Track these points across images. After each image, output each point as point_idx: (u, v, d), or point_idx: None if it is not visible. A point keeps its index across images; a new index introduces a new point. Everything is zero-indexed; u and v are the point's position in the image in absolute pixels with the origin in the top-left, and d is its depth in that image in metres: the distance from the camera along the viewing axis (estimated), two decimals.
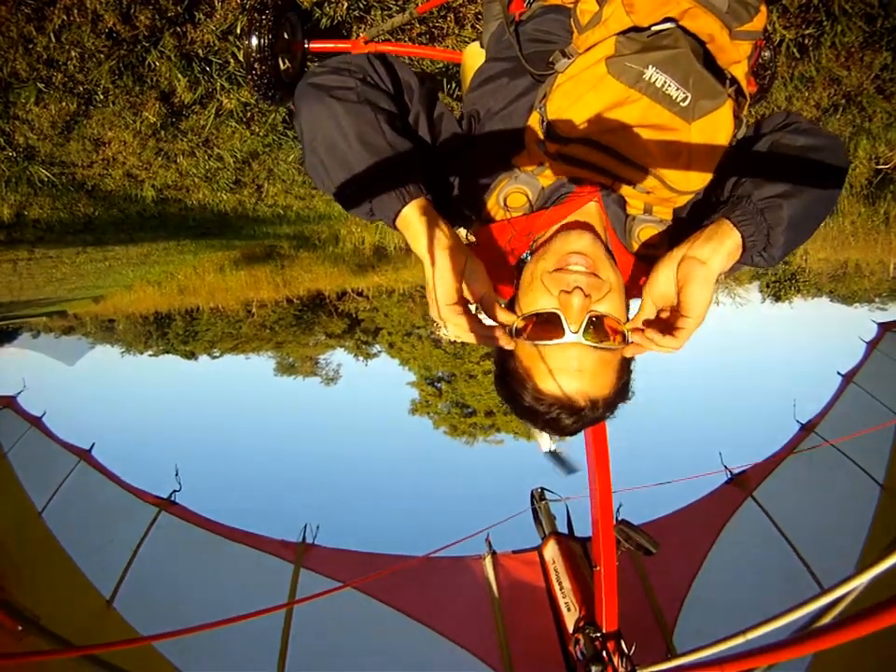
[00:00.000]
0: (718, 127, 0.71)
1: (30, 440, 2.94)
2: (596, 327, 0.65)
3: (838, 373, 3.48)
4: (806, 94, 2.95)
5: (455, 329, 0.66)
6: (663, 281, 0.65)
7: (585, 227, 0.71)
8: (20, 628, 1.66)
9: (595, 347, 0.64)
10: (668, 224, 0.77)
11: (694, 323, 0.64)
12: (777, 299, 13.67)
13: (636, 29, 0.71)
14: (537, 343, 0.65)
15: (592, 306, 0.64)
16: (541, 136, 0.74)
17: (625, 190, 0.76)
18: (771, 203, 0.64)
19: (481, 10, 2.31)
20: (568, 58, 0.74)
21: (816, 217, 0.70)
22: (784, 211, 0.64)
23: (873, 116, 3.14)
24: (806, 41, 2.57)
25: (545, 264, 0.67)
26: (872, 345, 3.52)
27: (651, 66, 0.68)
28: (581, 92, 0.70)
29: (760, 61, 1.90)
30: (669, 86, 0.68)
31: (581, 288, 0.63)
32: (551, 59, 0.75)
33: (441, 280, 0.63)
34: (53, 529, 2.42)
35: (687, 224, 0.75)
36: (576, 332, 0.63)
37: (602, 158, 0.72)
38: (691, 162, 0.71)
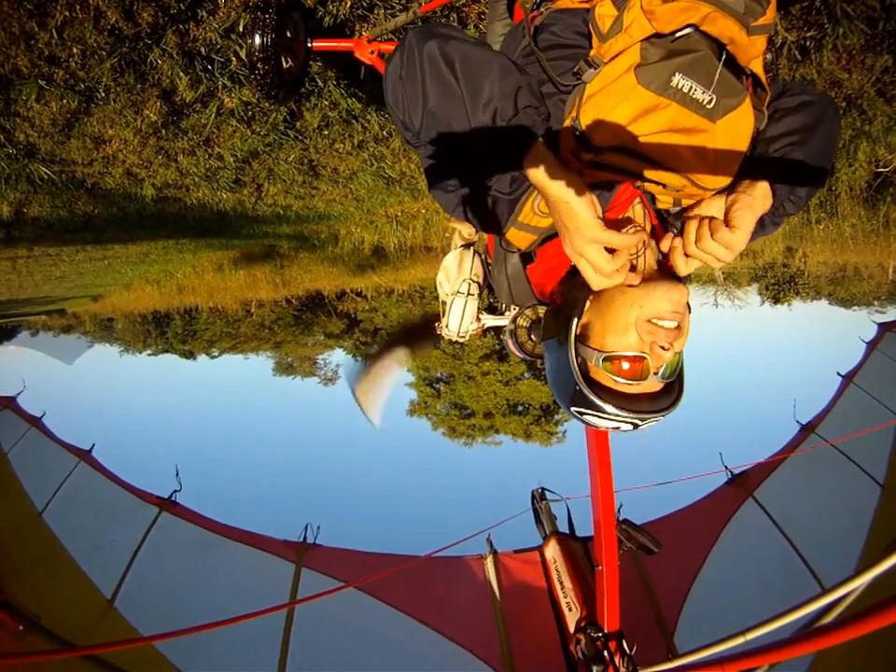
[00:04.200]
0: (741, 123, 0.74)
1: (30, 440, 2.94)
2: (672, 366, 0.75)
3: (838, 374, 3.49)
4: None
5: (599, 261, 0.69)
6: (711, 207, 0.74)
7: (670, 277, 0.77)
8: (21, 628, 1.66)
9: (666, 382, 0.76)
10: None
11: (744, 236, 0.72)
12: (777, 301, 13.70)
13: (657, 35, 0.72)
14: (623, 381, 0.73)
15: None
16: (576, 146, 0.76)
17: (656, 189, 0.78)
18: (786, 150, 0.75)
19: (484, 10, 2.31)
20: (594, 67, 0.75)
21: (827, 156, 0.81)
22: (797, 152, 0.75)
23: (873, 119, 3.15)
24: (808, 43, 2.58)
25: (642, 312, 0.72)
26: (872, 346, 3.54)
27: (677, 73, 0.70)
28: (613, 104, 0.72)
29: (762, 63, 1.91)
30: (696, 90, 0.71)
31: (672, 346, 0.72)
32: (576, 69, 0.76)
33: (585, 218, 0.68)
34: (54, 530, 2.41)
35: None
36: (657, 375, 0.73)
37: (636, 164, 0.74)
38: (717, 161, 0.74)
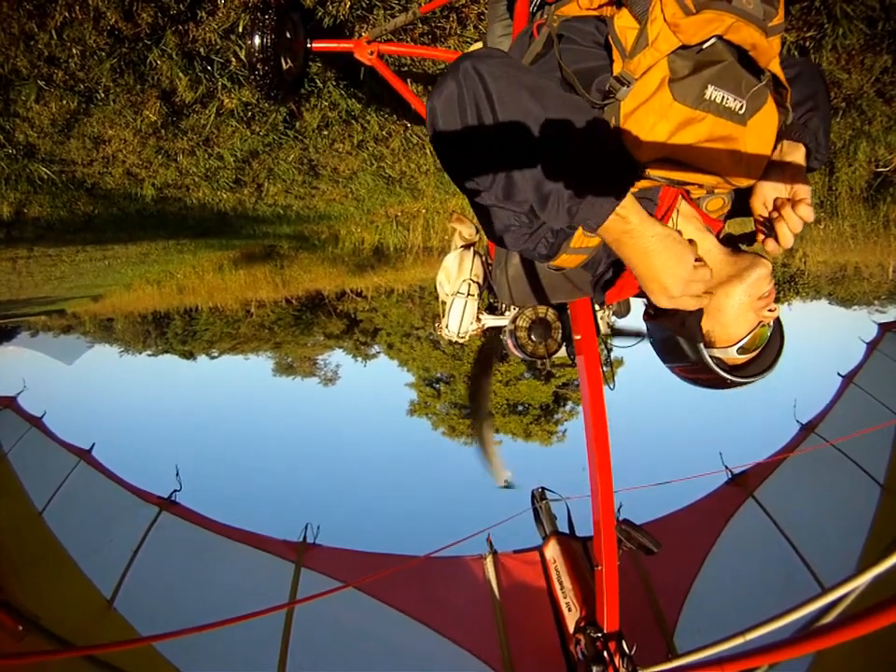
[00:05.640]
0: (766, 123, 0.78)
1: (30, 440, 2.93)
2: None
3: (838, 374, 3.48)
4: None
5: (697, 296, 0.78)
6: (774, 187, 0.83)
7: (743, 253, 0.87)
8: (20, 628, 1.66)
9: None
10: (730, 192, 0.88)
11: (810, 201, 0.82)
12: (776, 300, 13.67)
13: (683, 47, 0.74)
14: (756, 350, 0.87)
15: None
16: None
17: (692, 188, 0.82)
18: (806, 117, 0.87)
19: (484, 10, 2.31)
20: (626, 84, 0.76)
21: (830, 115, 0.95)
22: (816, 119, 0.88)
23: (872, 119, 3.15)
24: (807, 43, 2.58)
25: (749, 299, 0.83)
26: (872, 346, 3.53)
27: (710, 85, 0.73)
28: (652, 122, 0.74)
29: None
30: (728, 99, 0.74)
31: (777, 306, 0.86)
32: (608, 87, 0.77)
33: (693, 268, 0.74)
34: (54, 529, 2.41)
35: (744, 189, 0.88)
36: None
37: (675, 173, 0.77)
38: (749, 163, 0.78)
